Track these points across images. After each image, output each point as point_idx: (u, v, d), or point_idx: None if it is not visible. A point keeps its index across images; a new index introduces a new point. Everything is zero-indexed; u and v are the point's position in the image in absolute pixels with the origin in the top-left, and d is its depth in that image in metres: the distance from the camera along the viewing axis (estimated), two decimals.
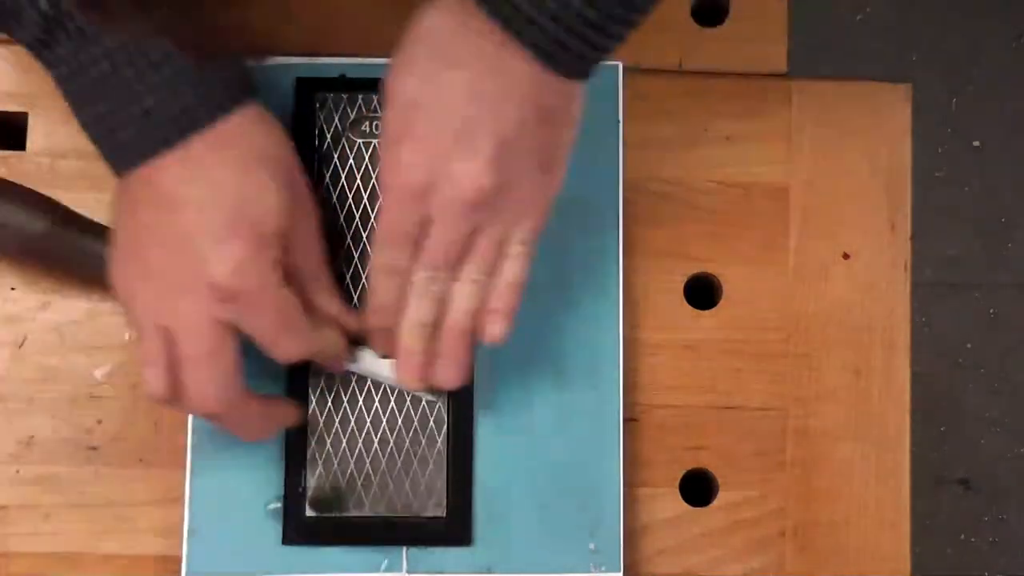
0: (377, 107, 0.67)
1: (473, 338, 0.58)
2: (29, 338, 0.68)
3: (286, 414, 0.62)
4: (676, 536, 0.68)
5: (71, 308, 0.68)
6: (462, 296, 0.56)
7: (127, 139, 0.55)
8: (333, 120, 0.67)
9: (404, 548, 0.65)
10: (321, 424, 0.65)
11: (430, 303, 0.56)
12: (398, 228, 0.55)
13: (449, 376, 0.58)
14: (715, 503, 0.69)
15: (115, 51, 0.54)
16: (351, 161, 0.67)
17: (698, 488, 0.70)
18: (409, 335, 0.57)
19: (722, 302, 0.70)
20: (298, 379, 0.65)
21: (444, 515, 0.65)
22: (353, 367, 0.62)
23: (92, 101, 0.55)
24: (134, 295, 0.56)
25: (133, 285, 0.56)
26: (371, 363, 0.61)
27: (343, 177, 0.67)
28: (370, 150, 0.67)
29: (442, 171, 0.52)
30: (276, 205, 0.55)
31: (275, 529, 0.65)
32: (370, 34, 0.71)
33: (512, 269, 0.56)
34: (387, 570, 0.65)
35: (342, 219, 0.66)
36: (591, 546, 0.66)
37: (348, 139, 0.67)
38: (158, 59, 0.54)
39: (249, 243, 0.53)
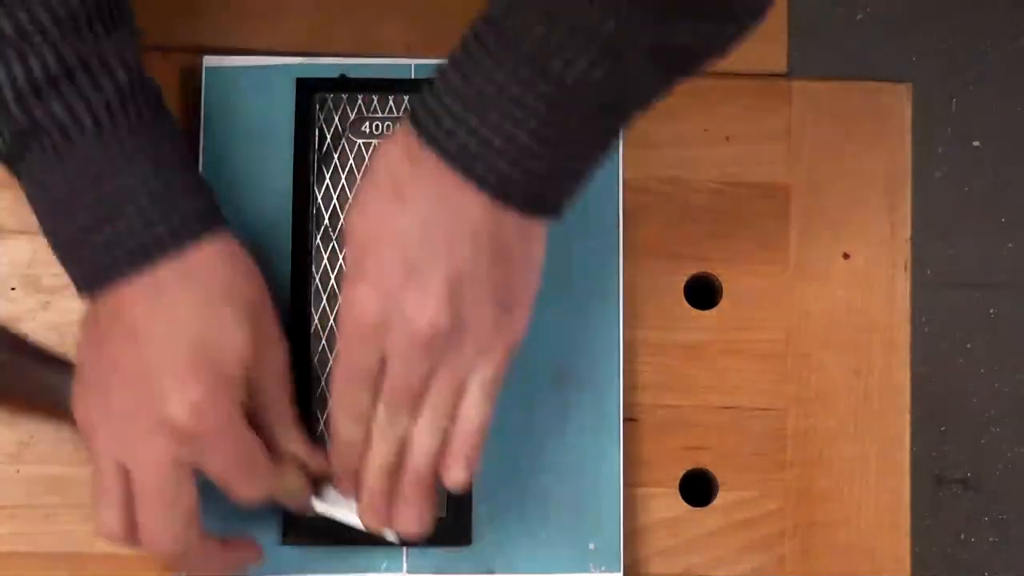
0: (377, 107, 0.67)
1: (435, 481, 0.57)
2: (29, 338, 0.68)
3: (247, 556, 0.61)
4: (676, 536, 0.68)
5: (71, 308, 0.68)
6: (422, 439, 0.55)
7: (94, 261, 0.54)
8: (333, 120, 0.67)
9: (404, 548, 0.65)
10: (321, 424, 0.65)
11: (391, 445, 0.55)
12: (356, 366, 0.54)
13: (409, 520, 0.57)
14: (715, 503, 0.69)
15: (86, 169, 0.53)
16: (351, 161, 0.67)
17: (698, 488, 0.70)
18: (371, 477, 0.56)
19: (722, 302, 0.70)
20: (298, 379, 0.65)
21: (444, 515, 0.65)
22: (320, 508, 0.61)
23: (60, 220, 0.55)
24: (94, 429, 0.56)
25: (93, 418, 0.56)
26: (334, 504, 0.60)
27: (343, 177, 0.67)
28: (370, 150, 0.67)
29: (395, 309, 0.52)
30: (239, 345, 0.54)
31: (275, 529, 0.65)
32: (370, 34, 0.71)
33: (472, 413, 0.55)
34: (387, 570, 0.65)
35: (342, 219, 0.66)
36: (591, 546, 0.66)
37: (348, 139, 0.67)
38: (131, 183, 0.53)
39: (209, 384, 0.53)
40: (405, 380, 0.54)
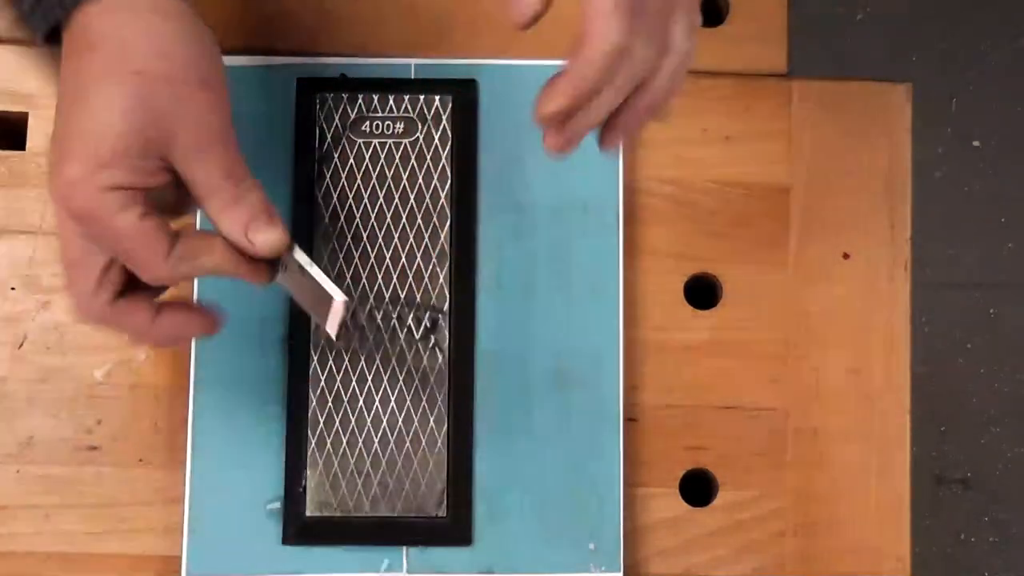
0: (377, 107, 0.67)
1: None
2: (29, 338, 0.68)
3: (189, 323, 0.57)
4: (676, 536, 0.68)
5: (71, 308, 0.68)
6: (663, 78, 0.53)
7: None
8: (333, 120, 0.67)
9: (404, 548, 0.65)
10: (321, 424, 0.65)
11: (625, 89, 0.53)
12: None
13: (615, 141, 0.55)
14: (715, 503, 0.69)
15: None
16: (351, 161, 0.67)
17: (698, 488, 0.70)
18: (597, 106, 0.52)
19: (722, 302, 0.70)
20: (298, 380, 0.65)
21: (444, 515, 0.65)
22: (279, 279, 0.57)
23: None
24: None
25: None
26: (304, 266, 0.56)
27: (343, 177, 0.67)
28: (370, 150, 0.67)
29: None
30: (120, 123, 0.50)
31: (275, 529, 0.65)
32: (370, 34, 0.71)
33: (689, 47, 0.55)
34: (387, 570, 0.65)
35: (342, 219, 0.66)
36: (591, 546, 0.66)
37: (348, 139, 0.67)
38: None
39: (83, 164, 0.50)
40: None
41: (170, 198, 0.54)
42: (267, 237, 0.54)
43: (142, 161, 0.51)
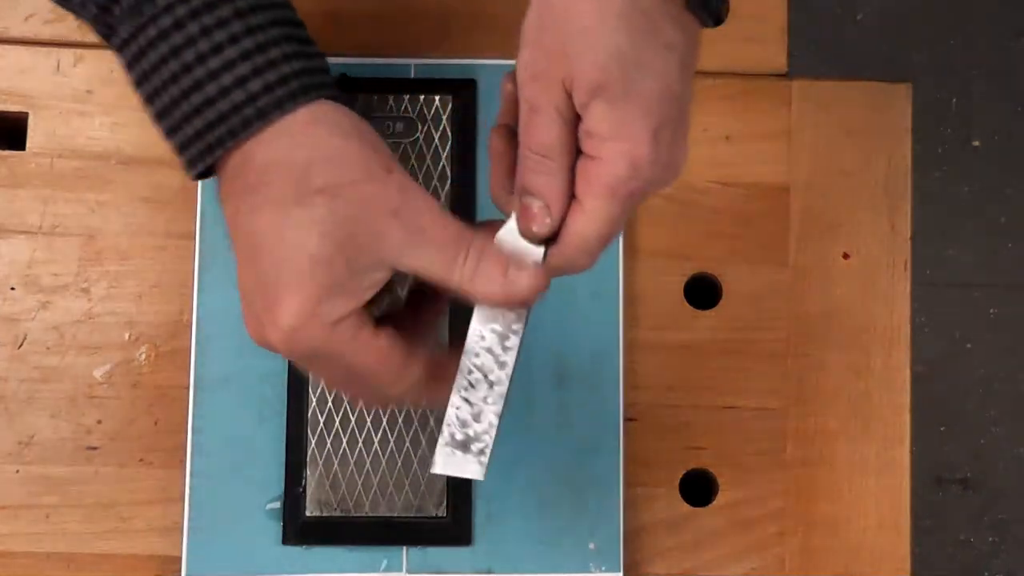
0: (377, 107, 0.67)
1: None
2: (29, 338, 0.68)
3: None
4: (676, 536, 0.68)
5: (71, 308, 0.68)
6: None
7: (194, 131, 0.48)
8: None
9: (404, 548, 0.65)
10: (321, 424, 0.65)
11: None
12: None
13: None
14: (715, 503, 0.69)
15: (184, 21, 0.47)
16: None
17: (698, 488, 0.70)
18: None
19: (722, 302, 0.70)
20: (298, 380, 0.65)
21: (444, 515, 0.65)
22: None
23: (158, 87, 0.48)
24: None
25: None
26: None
27: None
28: None
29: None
30: (323, 248, 0.46)
31: (275, 529, 0.65)
32: (370, 34, 0.71)
33: None
34: (387, 570, 0.65)
35: None
36: (591, 546, 0.66)
37: None
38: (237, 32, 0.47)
39: (299, 306, 0.46)
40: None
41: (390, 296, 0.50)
42: (528, 274, 0.49)
43: (356, 278, 0.47)
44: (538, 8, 0.47)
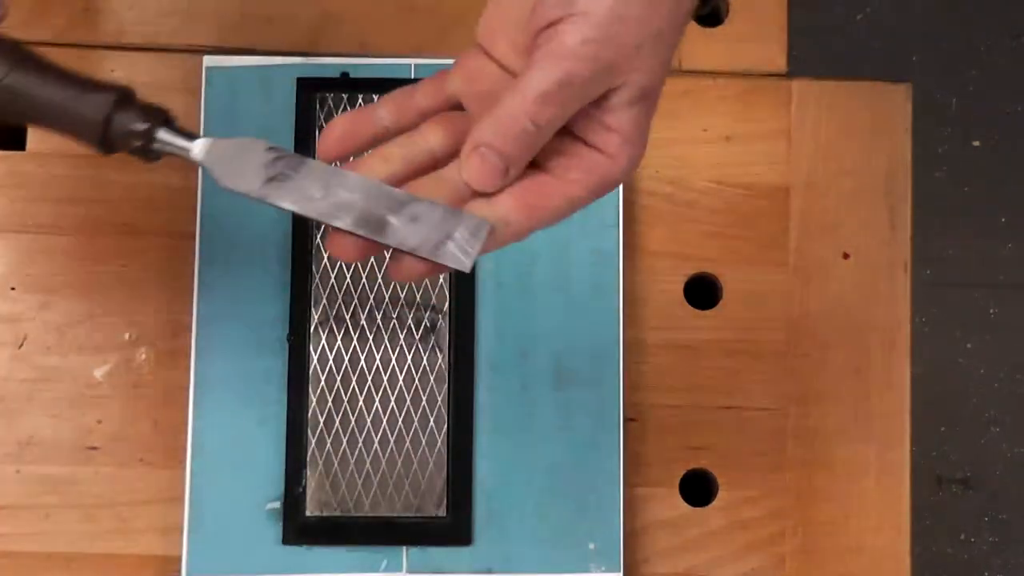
0: None
1: None
2: (29, 338, 0.68)
3: None
4: (676, 536, 0.68)
5: (71, 308, 0.68)
6: None
7: None
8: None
9: (404, 548, 0.65)
10: (321, 424, 0.65)
11: None
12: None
13: None
14: (715, 503, 0.69)
15: None
16: (351, 160, 0.67)
17: (698, 488, 0.70)
18: None
19: (722, 302, 0.70)
20: (298, 380, 0.65)
21: (444, 515, 0.65)
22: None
23: None
24: None
25: None
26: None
27: None
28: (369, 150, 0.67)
29: None
30: None
31: (275, 529, 0.65)
32: (370, 34, 0.71)
33: None
34: (387, 570, 0.65)
35: None
36: (591, 546, 0.66)
37: None
38: None
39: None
40: None
41: None
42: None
43: None
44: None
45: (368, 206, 0.46)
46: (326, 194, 0.47)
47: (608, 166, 0.47)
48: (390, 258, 0.47)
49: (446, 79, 0.49)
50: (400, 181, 0.47)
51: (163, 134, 0.49)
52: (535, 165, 0.47)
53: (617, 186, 0.48)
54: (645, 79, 0.46)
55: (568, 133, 0.46)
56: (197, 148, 0.48)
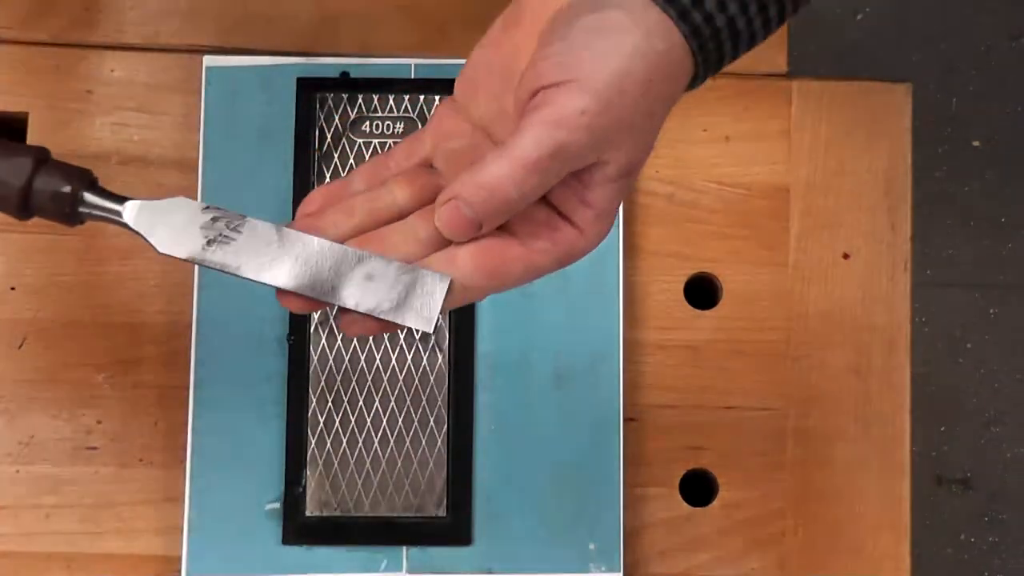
0: (377, 107, 0.67)
1: None
2: (29, 338, 0.68)
3: None
4: (676, 536, 0.68)
5: (71, 308, 0.68)
6: None
7: None
8: (333, 120, 0.67)
9: (404, 548, 0.65)
10: (321, 424, 0.65)
11: None
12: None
13: None
14: (715, 503, 0.69)
15: None
16: (351, 161, 0.67)
17: (698, 488, 0.70)
18: None
19: (722, 302, 0.70)
20: (298, 380, 0.65)
21: (444, 515, 0.65)
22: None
23: None
24: None
25: None
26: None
27: (343, 176, 0.67)
28: (370, 150, 0.67)
29: None
30: None
31: (275, 529, 0.65)
32: (370, 34, 0.71)
33: None
34: (387, 570, 0.65)
35: None
36: (591, 546, 0.66)
37: (348, 139, 0.67)
38: None
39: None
40: None
41: None
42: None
43: None
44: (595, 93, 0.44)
45: (320, 266, 0.44)
46: (274, 256, 0.44)
47: (576, 240, 0.46)
48: (338, 312, 0.45)
49: (419, 141, 0.48)
50: (362, 232, 0.46)
51: (90, 197, 0.46)
52: (502, 226, 0.45)
53: (580, 259, 0.47)
54: (631, 157, 0.45)
55: (541, 199, 0.45)
56: (127, 212, 0.46)
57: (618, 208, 0.46)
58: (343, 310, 0.44)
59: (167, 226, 0.45)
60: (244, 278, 0.44)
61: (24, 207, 0.47)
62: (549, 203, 0.45)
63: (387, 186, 0.47)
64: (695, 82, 0.46)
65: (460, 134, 0.47)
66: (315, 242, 0.44)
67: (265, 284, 0.44)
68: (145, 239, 0.45)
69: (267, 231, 0.45)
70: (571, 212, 0.45)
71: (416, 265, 0.44)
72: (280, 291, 0.45)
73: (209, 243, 0.45)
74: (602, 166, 0.44)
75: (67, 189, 0.46)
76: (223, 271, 0.44)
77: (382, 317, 0.44)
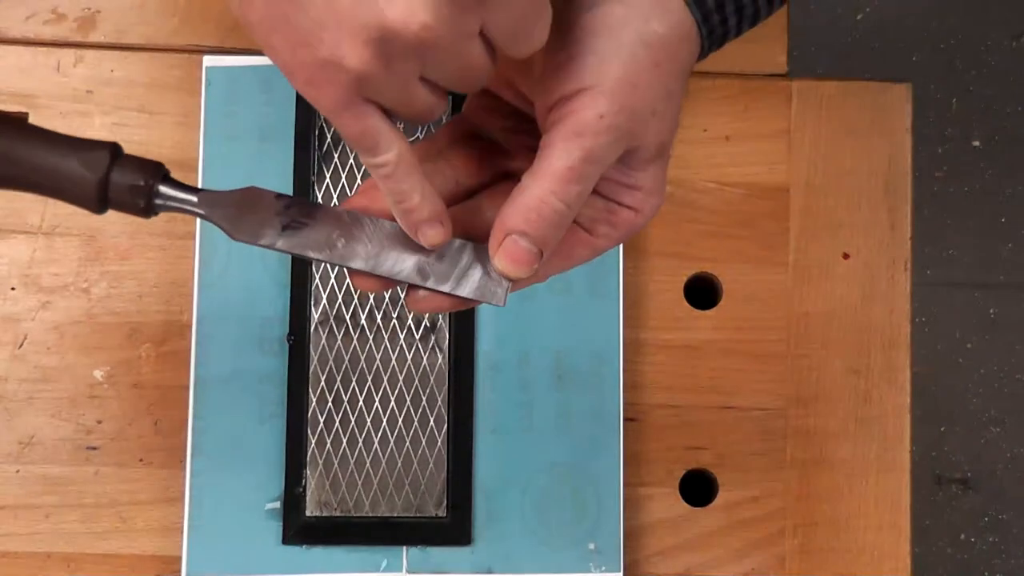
0: None
1: None
2: (29, 338, 0.68)
3: None
4: (676, 536, 0.68)
5: (71, 308, 0.68)
6: None
7: None
8: None
9: (404, 548, 0.65)
10: (321, 424, 0.65)
11: None
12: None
13: None
14: (715, 503, 0.69)
15: None
16: (351, 160, 0.67)
17: (698, 488, 0.70)
18: None
19: (722, 302, 0.70)
20: (298, 380, 0.65)
21: (444, 515, 0.65)
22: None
23: None
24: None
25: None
26: None
27: (343, 177, 0.67)
28: None
29: None
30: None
31: (275, 529, 0.65)
32: None
33: None
34: (387, 570, 0.65)
35: None
36: (591, 546, 0.66)
37: None
38: None
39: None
40: None
41: None
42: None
43: None
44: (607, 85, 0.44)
45: (391, 247, 0.45)
46: (346, 240, 0.45)
47: (633, 219, 0.48)
48: (408, 290, 0.45)
49: (462, 120, 0.49)
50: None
51: (165, 189, 0.47)
52: None
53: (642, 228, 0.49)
54: (660, 137, 0.46)
55: (593, 193, 0.46)
56: (202, 202, 0.47)
57: (665, 179, 0.48)
58: (412, 287, 0.45)
59: (241, 215, 0.46)
60: (319, 260, 0.45)
61: (102, 200, 0.48)
62: (600, 194, 0.47)
63: (441, 162, 0.47)
64: (702, 53, 0.48)
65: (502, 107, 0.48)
66: (385, 224, 0.45)
67: (339, 266, 0.45)
68: (221, 227, 0.46)
69: (338, 216, 0.45)
70: (622, 198, 0.47)
71: (484, 245, 0.45)
72: (353, 272, 0.45)
73: (284, 229, 0.45)
74: (635, 152, 0.45)
75: (143, 182, 0.47)
76: (300, 256, 0.46)
77: (453, 293, 0.45)
